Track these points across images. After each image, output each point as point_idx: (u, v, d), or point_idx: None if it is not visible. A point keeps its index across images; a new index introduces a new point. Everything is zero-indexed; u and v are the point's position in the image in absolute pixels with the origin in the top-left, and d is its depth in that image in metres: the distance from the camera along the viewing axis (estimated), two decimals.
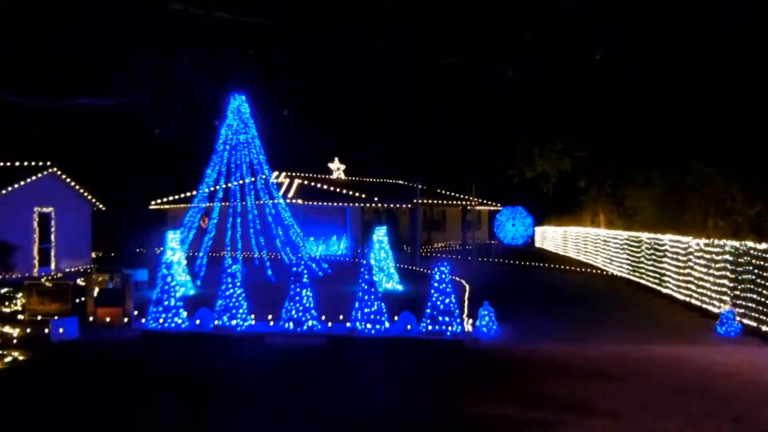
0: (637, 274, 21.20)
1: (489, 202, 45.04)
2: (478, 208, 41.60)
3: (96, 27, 34.57)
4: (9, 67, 32.80)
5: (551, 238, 41.22)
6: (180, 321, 12.71)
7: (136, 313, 14.00)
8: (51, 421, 7.89)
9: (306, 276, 12.35)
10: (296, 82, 47.17)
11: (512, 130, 42.04)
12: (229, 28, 36.00)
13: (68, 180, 25.59)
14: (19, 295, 15.47)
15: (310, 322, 12.15)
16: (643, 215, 27.00)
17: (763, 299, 12.45)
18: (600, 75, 30.98)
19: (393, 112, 51.28)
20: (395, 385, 9.32)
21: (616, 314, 15.59)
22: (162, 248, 18.81)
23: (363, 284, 12.19)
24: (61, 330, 12.31)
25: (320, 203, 33.82)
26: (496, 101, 41.74)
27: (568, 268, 27.30)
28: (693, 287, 16.01)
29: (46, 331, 12.49)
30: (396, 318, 12.56)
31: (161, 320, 12.63)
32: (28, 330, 13.17)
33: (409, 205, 36.69)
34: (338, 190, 35.52)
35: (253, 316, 12.84)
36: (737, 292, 13.53)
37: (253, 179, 23.14)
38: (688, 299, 16.27)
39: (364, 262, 12.81)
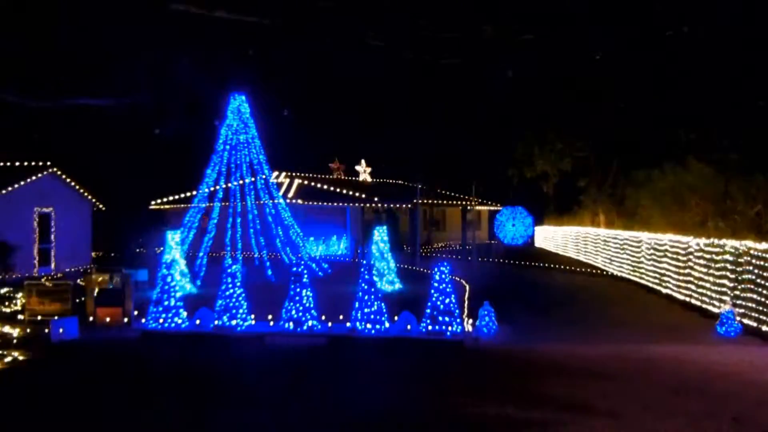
0: (637, 274, 21.20)
1: (489, 202, 45.04)
2: (478, 208, 41.60)
3: (96, 27, 34.57)
4: (9, 67, 32.80)
5: (551, 238, 41.21)
6: (180, 321, 12.71)
7: (136, 313, 14.00)
8: (51, 421, 7.88)
9: (306, 276, 12.35)
10: (296, 81, 47.19)
11: (512, 130, 42.09)
12: (229, 28, 36.04)
13: (68, 180, 25.60)
14: (19, 295, 15.48)
15: (310, 322, 12.15)
16: (643, 215, 27.01)
17: (763, 299, 12.44)
18: (600, 75, 31.00)
19: (393, 112, 51.31)
20: (395, 385, 9.32)
21: (616, 314, 15.58)
22: (162, 248, 18.81)
23: (363, 284, 12.19)
24: (61, 330, 12.31)
25: (320, 203, 33.82)
26: (496, 101, 41.77)
27: (568, 268, 27.30)
28: (693, 287, 16.01)
29: (46, 331, 12.48)
30: (396, 318, 12.55)
31: (161, 320, 12.63)
32: (28, 330, 13.17)
33: (409, 205, 36.69)
34: (338, 190, 35.52)
35: (253, 316, 12.84)
36: (737, 292, 13.53)
37: (253, 179, 23.14)
38: (688, 299, 16.26)
39: (364, 262, 12.80)
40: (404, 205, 38.05)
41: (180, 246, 18.90)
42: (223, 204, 22.82)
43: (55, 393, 9.12)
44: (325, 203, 34.08)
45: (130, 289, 14.33)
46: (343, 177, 41.66)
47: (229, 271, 12.56)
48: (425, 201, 38.42)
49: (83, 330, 12.89)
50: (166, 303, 12.70)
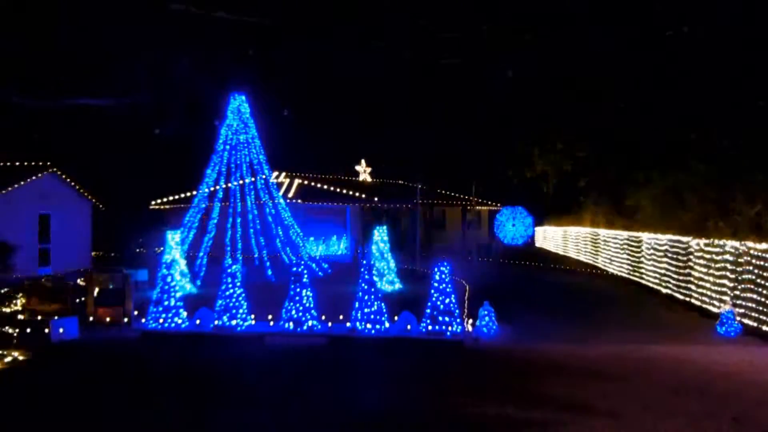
0: (637, 274, 21.19)
1: (489, 202, 45.02)
2: (478, 208, 41.59)
3: (96, 27, 34.60)
4: (9, 67, 32.82)
5: (551, 238, 41.22)
6: (180, 321, 12.71)
7: (136, 313, 14.00)
8: (51, 421, 7.88)
9: (306, 276, 12.35)
10: (296, 81, 47.19)
11: (512, 130, 42.10)
12: (229, 28, 36.03)
13: (68, 180, 25.60)
14: (19, 295, 15.46)
15: (310, 322, 12.15)
16: (643, 215, 26.97)
17: (763, 299, 12.43)
18: (600, 75, 30.99)
19: (393, 112, 51.29)
20: (395, 385, 9.32)
21: (616, 314, 15.59)
22: (162, 248, 18.80)
23: (363, 284, 12.19)
24: (61, 330, 12.31)
25: (320, 203, 33.81)
26: (496, 101, 41.77)
27: (568, 268, 27.31)
28: (693, 287, 16.01)
29: (46, 331, 12.47)
30: (396, 318, 12.55)
31: (161, 320, 12.63)
32: (28, 330, 13.16)
33: (409, 205, 36.68)
34: (338, 190, 35.51)
35: (253, 316, 12.84)
36: (737, 292, 13.52)
37: (253, 179, 23.13)
38: (688, 299, 16.26)
39: (364, 262, 12.80)
40: (404, 205, 38.05)
41: (180, 246, 18.90)
42: (223, 204, 22.82)
43: (55, 393, 9.12)
44: (325, 203, 34.08)
45: (130, 289, 14.33)
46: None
47: (229, 271, 12.56)
48: (425, 201, 38.41)
49: (83, 330, 12.90)
50: (166, 303, 12.70)
